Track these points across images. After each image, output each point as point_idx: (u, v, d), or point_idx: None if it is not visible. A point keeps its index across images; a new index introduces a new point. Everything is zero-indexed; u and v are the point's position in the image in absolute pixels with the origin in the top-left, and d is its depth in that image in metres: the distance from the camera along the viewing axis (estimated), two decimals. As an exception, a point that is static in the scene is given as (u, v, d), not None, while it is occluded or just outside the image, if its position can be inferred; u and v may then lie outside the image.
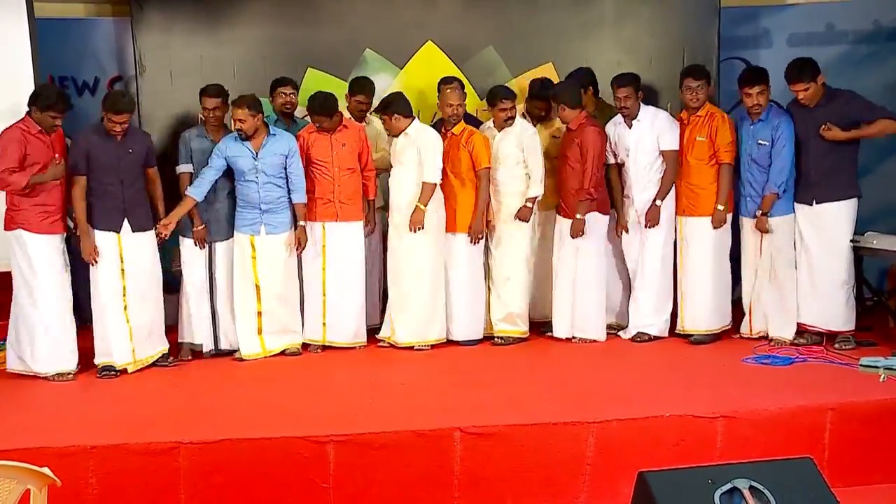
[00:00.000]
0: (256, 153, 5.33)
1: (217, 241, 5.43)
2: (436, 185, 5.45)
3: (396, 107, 5.45)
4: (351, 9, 6.31)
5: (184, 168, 5.36)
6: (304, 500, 3.82)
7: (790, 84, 5.11)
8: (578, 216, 5.46)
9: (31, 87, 5.19)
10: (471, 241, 5.57)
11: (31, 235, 4.95)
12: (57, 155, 4.96)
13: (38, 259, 4.96)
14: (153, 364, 5.22)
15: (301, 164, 5.42)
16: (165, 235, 5.23)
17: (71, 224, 5.19)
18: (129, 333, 5.11)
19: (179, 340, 5.43)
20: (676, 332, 5.58)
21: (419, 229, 5.43)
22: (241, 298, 5.42)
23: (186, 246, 5.42)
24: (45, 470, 2.69)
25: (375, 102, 5.81)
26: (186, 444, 3.82)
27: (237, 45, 6.22)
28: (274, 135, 5.37)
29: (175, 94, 5.93)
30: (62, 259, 5.06)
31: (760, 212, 5.26)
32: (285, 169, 5.37)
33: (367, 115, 5.92)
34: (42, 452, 3.66)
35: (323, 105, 5.41)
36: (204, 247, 5.39)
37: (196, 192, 5.27)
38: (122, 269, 5.11)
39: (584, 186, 5.41)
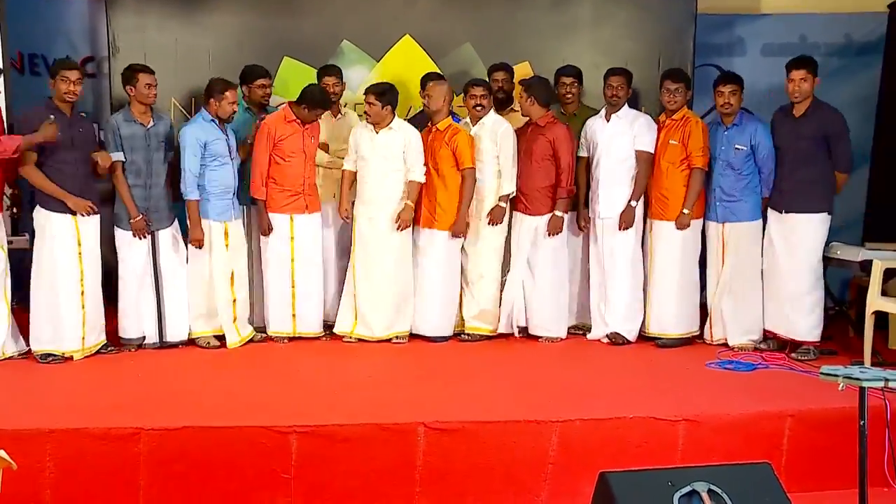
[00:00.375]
0: (227, 137, 5.32)
1: (159, 229, 5.29)
2: (422, 183, 5.47)
3: (391, 97, 5.43)
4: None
5: (115, 155, 5.11)
6: (265, 490, 3.80)
7: (792, 69, 5.12)
8: (558, 213, 5.49)
9: (-1, 65, 5.10)
10: (453, 239, 5.58)
11: None
12: (52, 116, 4.82)
13: None
14: (97, 352, 5.13)
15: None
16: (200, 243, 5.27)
17: (7, 202, 5.08)
18: (82, 320, 5.02)
19: (120, 335, 5.30)
20: (642, 333, 5.63)
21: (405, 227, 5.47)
22: (220, 288, 5.37)
23: (122, 238, 5.23)
24: (1, 453, 2.65)
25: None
26: (147, 431, 3.78)
27: (213, 32, 6.16)
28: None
29: (148, 77, 5.85)
30: None
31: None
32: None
33: (343, 107, 5.89)
34: (-1, 435, 3.61)
35: (325, 101, 5.44)
36: (144, 237, 5.23)
37: (193, 192, 5.24)
38: (80, 254, 5.00)
39: (563, 184, 5.46)
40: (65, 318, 4.97)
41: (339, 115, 5.86)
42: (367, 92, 5.49)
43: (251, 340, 5.51)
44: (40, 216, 4.97)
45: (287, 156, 5.44)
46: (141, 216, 5.18)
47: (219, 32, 6.16)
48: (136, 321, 5.29)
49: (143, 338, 5.31)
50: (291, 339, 5.57)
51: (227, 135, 5.33)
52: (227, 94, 5.23)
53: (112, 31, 6.04)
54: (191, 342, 5.43)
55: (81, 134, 5.03)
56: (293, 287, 5.52)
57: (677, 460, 3.95)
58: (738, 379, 4.80)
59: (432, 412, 4.03)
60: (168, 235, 5.32)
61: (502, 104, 5.90)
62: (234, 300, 5.42)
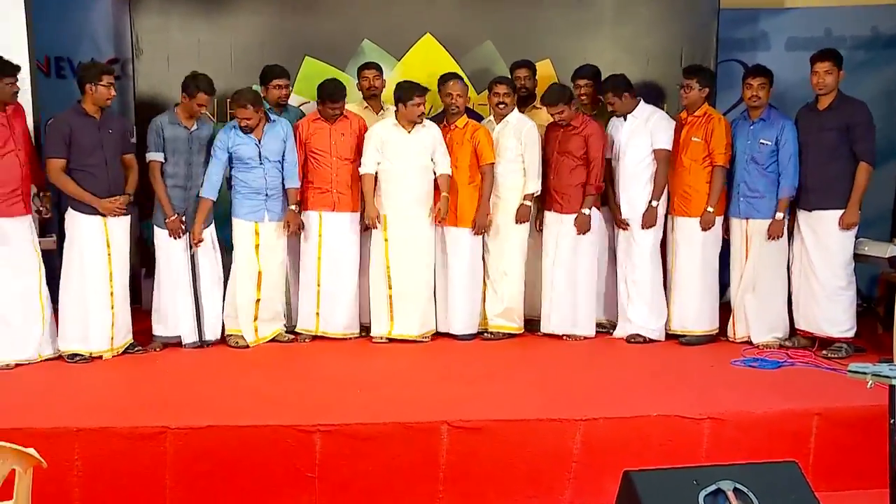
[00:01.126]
0: (259, 140, 5.34)
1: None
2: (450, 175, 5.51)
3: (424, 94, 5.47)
4: (350, -1, 6.31)
5: (155, 156, 5.19)
6: (289, 489, 3.82)
7: (816, 62, 5.09)
8: (585, 211, 5.48)
9: (25, 68, 5.13)
10: (474, 235, 5.57)
11: None
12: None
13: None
14: (124, 352, 5.18)
15: (296, 150, 5.45)
16: (201, 241, 5.26)
17: (37, 204, 5.12)
18: (111, 320, 5.07)
19: (154, 333, 5.35)
20: (666, 331, 5.59)
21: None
22: (243, 286, 5.40)
23: (161, 236, 5.30)
24: (31, 451, 2.68)
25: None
26: (173, 430, 3.81)
27: (235, 32, 6.19)
28: (273, 121, 5.41)
29: (171, 78, 5.85)
30: (26, 243, 4.96)
31: (780, 215, 5.27)
32: (282, 153, 5.40)
33: (384, 104, 5.85)
34: (28, 433, 3.65)
35: (334, 92, 5.42)
36: (179, 237, 5.29)
37: (212, 192, 5.26)
38: (109, 255, 5.06)
39: (592, 181, 5.45)
40: (94, 318, 5.03)
41: (381, 111, 5.83)
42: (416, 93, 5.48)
43: (276, 340, 5.54)
44: (71, 218, 5.02)
45: (316, 154, 5.49)
46: (176, 216, 5.25)
47: (241, 33, 6.19)
48: (172, 320, 5.34)
49: (179, 337, 5.36)
50: (315, 337, 5.59)
51: (256, 140, 5.33)
52: (238, 110, 5.26)
53: (136, 32, 6.09)
54: (222, 341, 5.47)
55: (111, 135, 5.07)
56: (318, 285, 5.54)
57: (702, 459, 3.92)
58: (763, 377, 4.76)
59: (455, 411, 4.03)
60: (205, 236, 5.37)
61: (524, 101, 5.88)
62: (259, 300, 5.45)
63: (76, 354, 5.03)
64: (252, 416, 3.99)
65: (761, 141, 5.28)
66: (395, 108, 5.54)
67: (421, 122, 5.46)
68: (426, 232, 5.54)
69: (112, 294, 5.08)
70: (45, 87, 5.97)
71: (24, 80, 5.01)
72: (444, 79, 5.68)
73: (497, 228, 5.62)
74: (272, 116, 5.43)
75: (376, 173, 5.50)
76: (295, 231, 5.49)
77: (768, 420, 4.07)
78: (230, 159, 5.36)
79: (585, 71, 5.76)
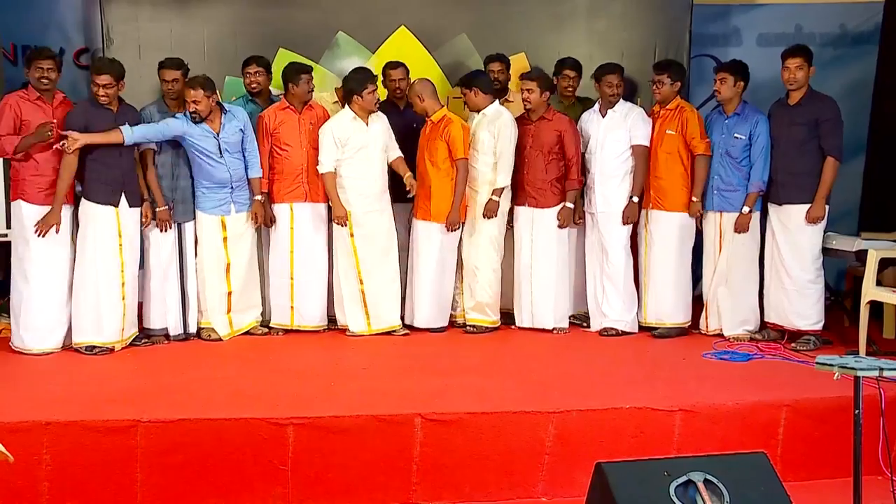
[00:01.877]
0: (217, 133, 5.26)
1: (186, 221, 5.34)
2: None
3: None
4: (325, -10, 6.27)
5: (148, 144, 5.21)
6: (262, 482, 3.81)
7: (787, 58, 5.15)
8: (569, 205, 5.52)
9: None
10: (448, 231, 5.56)
11: (29, 206, 4.92)
12: (54, 121, 4.83)
13: (33, 231, 4.90)
14: (131, 344, 5.18)
15: (255, 139, 5.41)
16: (68, 146, 4.81)
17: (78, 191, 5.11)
18: (123, 311, 5.06)
19: (145, 325, 5.33)
20: (639, 323, 5.63)
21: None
22: (211, 280, 5.37)
23: (153, 227, 5.26)
24: (-1, 445, 2.66)
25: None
26: (145, 423, 3.78)
27: (208, 22, 6.13)
28: (229, 111, 5.34)
29: (143, 68, 5.79)
30: (65, 232, 4.97)
31: (748, 209, 5.31)
32: (241, 144, 5.36)
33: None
34: (-5, 428, 3.61)
35: (292, 70, 5.40)
36: (166, 229, 5.26)
37: (129, 136, 4.96)
38: (120, 245, 5.04)
39: (573, 176, 5.49)
40: (105, 309, 5.01)
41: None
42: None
43: (250, 332, 5.51)
44: (85, 208, 5.01)
45: (285, 144, 5.44)
46: (167, 207, 5.22)
47: (213, 23, 6.14)
48: (161, 312, 5.32)
49: (166, 328, 5.34)
50: (288, 331, 5.57)
51: (214, 133, 5.24)
52: (187, 92, 5.15)
53: (106, 22, 6.00)
54: (198, 334, 5.46)
55: None
56: (291, 279, 5.51)
57: (673, 450, 3.96)
58: (734, 369, 4.82)
59: (429, 403, 4.04)
60: (192, 228, 5.35)
61: (497, 95, 5.89)
62: (230, 292, 5.41)
63: (93, 346, 5.00)
64: (225, 409, 3.97)
65: (735, 135, 5.33)
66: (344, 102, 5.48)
67: (375, 111, 5.46)
68: (390, 224, 5.56)
69: (123, 285, 5.06)
70: (11, 76, 5.88)
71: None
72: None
73: (470, 222, 5.62)
74: (227, 107, 5.36)
75: (335, 169, 5.44)
76: (263, 222, 5.46)
77: (738, 412, 4.12)
78: (191, 153, 5.27)
79: (574, 62, 5.80)
